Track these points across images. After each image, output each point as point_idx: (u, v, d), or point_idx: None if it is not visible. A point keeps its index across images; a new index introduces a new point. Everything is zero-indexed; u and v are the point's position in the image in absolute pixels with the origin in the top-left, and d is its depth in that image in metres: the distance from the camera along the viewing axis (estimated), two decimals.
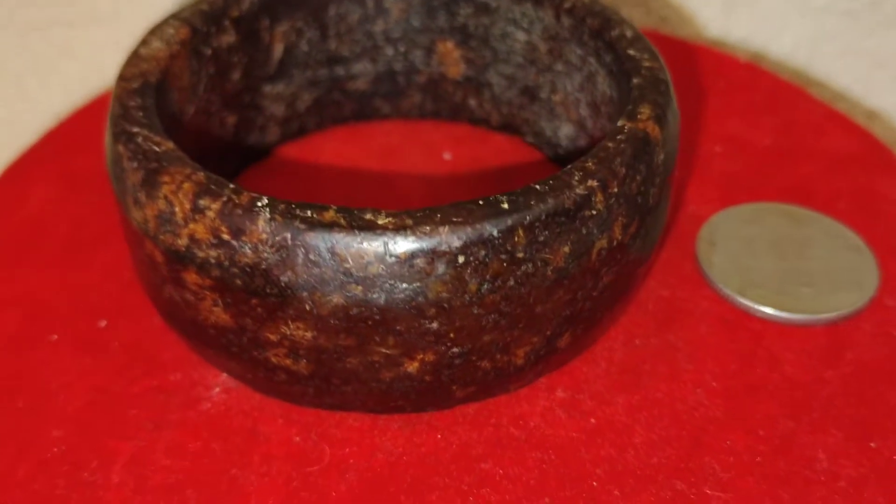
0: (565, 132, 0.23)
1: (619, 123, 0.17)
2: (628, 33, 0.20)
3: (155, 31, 0.20)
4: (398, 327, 0.15)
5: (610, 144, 0.17)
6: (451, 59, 0.24)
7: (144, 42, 0.19)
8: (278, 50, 0.23)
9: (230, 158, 0.23)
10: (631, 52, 0.19)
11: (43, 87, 0.35)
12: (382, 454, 0.17)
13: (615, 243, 0.16)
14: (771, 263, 0.21)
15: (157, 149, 0.16)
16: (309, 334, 0.16)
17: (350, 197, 0.23)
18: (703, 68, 0.28)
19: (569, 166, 0.16)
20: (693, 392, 0.18)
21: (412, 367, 0.16)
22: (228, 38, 0.21)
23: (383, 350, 0.16)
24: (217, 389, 0.18)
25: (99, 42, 0.34)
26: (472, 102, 0.25)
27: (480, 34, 0.23)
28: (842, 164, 0.24)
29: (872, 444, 0.17)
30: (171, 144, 0.17)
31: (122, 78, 0.18)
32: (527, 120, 0.24)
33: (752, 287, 0.20)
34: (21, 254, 0.21)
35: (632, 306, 0.20)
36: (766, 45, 0.34)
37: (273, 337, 0.16)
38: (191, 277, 0.16)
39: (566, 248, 0.16)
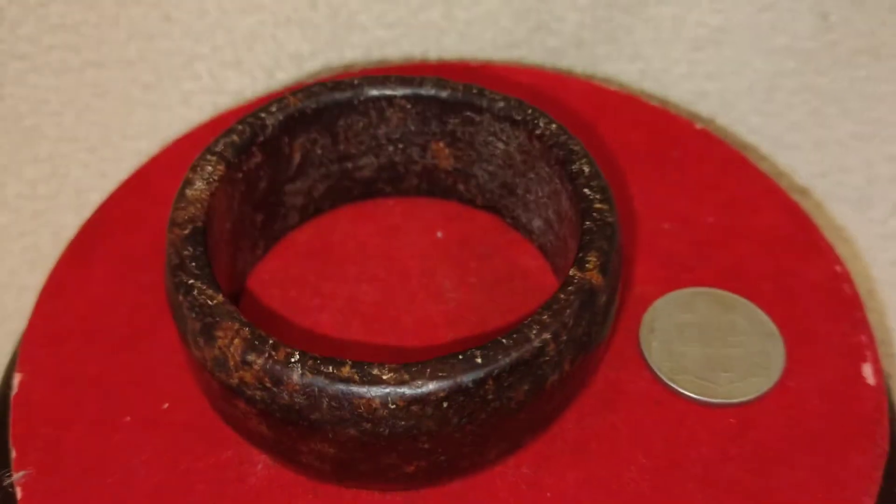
0: (537, 224, 0.27)
1: (571, 273, 0.22)
2: (586, 169, 0.24)
3: (196, 169, 0.24)
4: (399, 447, 0.20)
5: (561, 296, 0.21)
6: (443, 155, 0.28)
7: (188, 182, 0.24)
8: (297, 157, 0.27)
9: (259, 244, 0.28)
10: (586, 191, 0.24)
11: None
12: None
13: (564, 374, 0.21)
14: (698, 350, 0.26)
15: (210, 302, 0.21)
16: (332, 450, 0.21)
17: (359, 272, 0.28)
18: (662, 136, 0.32)
19: (528, 320, 0.21)
20: (628, 469, 0.23)
21: (409, 469, 0.21)
22: (256, 159, 0.26)
23: (388, 461, 0.21)
24: (260, 466, 0.23)
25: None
26: (461, 187, 0.29)
27: (467, 139, 0.27)
28: (771, 244, 0.29)
29: None
30: (221, 297, 0.21)
31: (175, 224, 0.23)
32: (507, 206, 0.28)
33: (681, 372, 0.25)
34: (90, 336, 0.26)
35: (584, 389, 0.25)
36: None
37: (304, 448, 0.21)
38: (240, 404, 0.21)
39: (525, 387, 0.21)
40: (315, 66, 0.39)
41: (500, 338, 0.21)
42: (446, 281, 0.28)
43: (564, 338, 0.21)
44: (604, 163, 0.31)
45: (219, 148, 0.25)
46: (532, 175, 0.27)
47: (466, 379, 0.20)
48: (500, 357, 0.20)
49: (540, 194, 0.27)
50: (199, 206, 0.23)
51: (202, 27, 0.37)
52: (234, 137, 0.25)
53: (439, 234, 0.29)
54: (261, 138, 0.25)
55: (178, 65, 0.38)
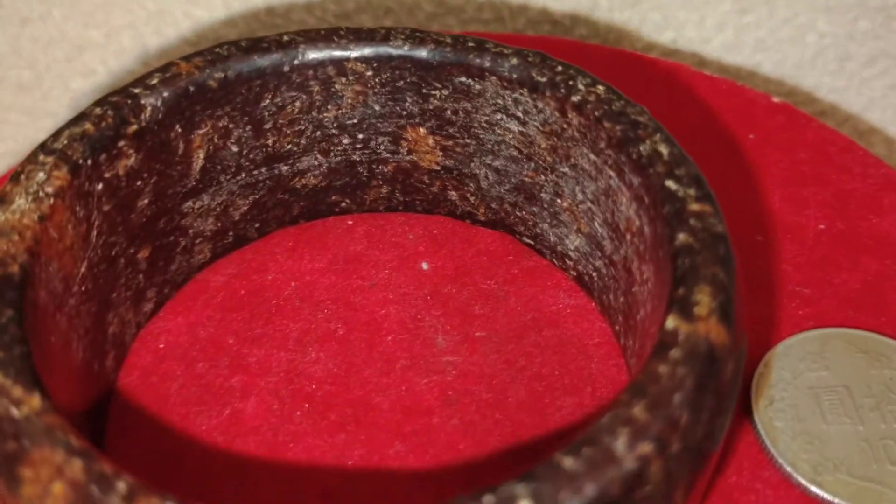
0: (574, 244, 0.18)
1: (670, 325, 0.12)
2: (664, 151, 0.15)
3: (17, 178, 0.14)
4: None
5: (661, 370, 0.12)
6: (425, 147, 0.19)
7: (3, 200, 0.14)
8: (198, 158, 0.17)
9: (147, 295, 0.18)
10: (671, 184, 0.14)
11: None
12: None
13: None
14: (849, 429, 0.16)
15: (15, 412, 0.11)
16: None
17: (305, 329, 0.18)
18: (728, 113, 0.23)
19: (606, 416, 0.11)
20: None
21: None
22: (126, 161, 0.16)
23: None
24: None
25: None
26: (453, 195, 0.19)
27: (461, 121, 0.18)
28: None
29: None
30: (37, 401, 0.12)
31: None
32: (523, 219, 0.19)
33: (829, 470, 0.16)
34: None
35: None
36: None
37: None
38: None
39: None
40: None
41: (556, 455, 0.11)
42: (439, 336, 0.18)
43: (676, 447, 0.11)
44: None
45: (59, 143, 0.15)
46: (566, 168, 0.17)
47: None
48: (562, 497, 0.11)
49: (580, 197, 0.17)
50: (16, 238, 0.14)
51: (91, 5, 0.27)
52: (87, 126, 0.15)
53: (424, 266, 0.19)
54: (133, 127, 0.16)
55: (62, 57, 0.28)
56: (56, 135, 0.15)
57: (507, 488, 0.11)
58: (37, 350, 0.13)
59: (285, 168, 0.19)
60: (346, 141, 0.19)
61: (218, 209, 0.18)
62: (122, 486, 0.11)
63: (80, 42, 0.28)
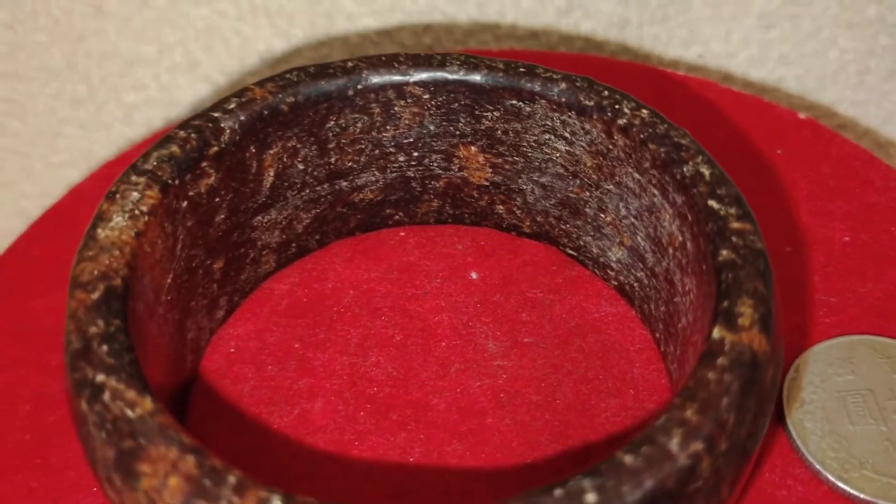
0: (616, 256, 0.19)
1: (716, 335, 0.14)
2: (706, 172, 0.16)
3: (114, 197, 0.16)
4: None
5: (710, 376, 0.13)
6: (476, 164, 0.20)
7: (101, 218, 0.15)
8: (269, 176, 0.19)
9: (220, 303, 0.19)
10: (713, 203, 0.16)
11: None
12: None
13: None
14: (874, 430, 0.17)
15: (130, 413, 0.13)
16: None
17: (365, 335, 0.19)
18: (756, 129, 0.24)
19: (662, 418, 0.13)
20: None
21: None
22: (208, 180, 0.17)
23: None
24: None
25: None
26: (501, 209, 0.21)
27: (511, 140, 0.19)
28: None
29: None
30: (149, 402, 0.13)
31: (78, 284, 0.14)
32: (567, 232, 0.20)
33: (856, 467, 0.17)
34: None
35: None
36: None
37: None
38: None
39: None
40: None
41: (618, 453, 0.12)
42: (490, 342, 0.19)
43: (724, 446, 0.13)
44: None
45: (150, 164, 0.16)
46: (610, 186, 0.18)
47: None
48: (625, 491, 0.12)
49: (623, 213, 0.18)
50: (117, 253, 0.15)
51: (144, 22, 0.29)
52: (174, 148, 0.17)
53: (473, 276, 0.21)
54: (214, 148, 0.17)
55: (115, 71, 0.30)
56: (145, 156, 0.16)
57: (575, 483, 0.12)
58: (140, 356, 0.14)
59: (345, 184, 0.20)
60: (402, 158, 0.20)
61: (283, 222, 0.20)
62: (232, 479, 0.12)
63: (133, 57, 0.30)
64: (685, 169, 0.16)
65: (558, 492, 0.12)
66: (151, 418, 0.13)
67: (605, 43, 0.30)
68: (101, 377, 0.13)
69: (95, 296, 0.14)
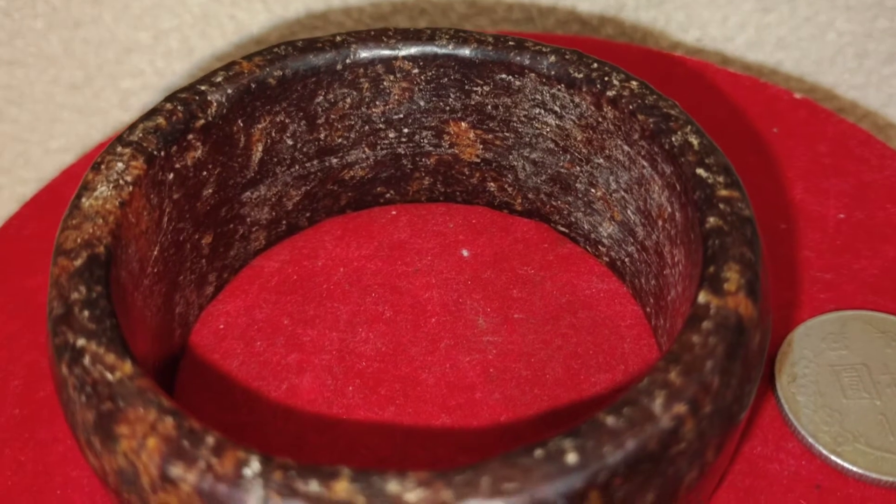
0: (607, 231, 0.19)
1: (702, 300, 0.13)
2: (694, 142, 0.16)
3: (99, 168, 0.16)
4: None
5: (695, 339, 0.13)
6: (466, 141, 0.20)
7: (86, 187, 0.15)
8: (257, 151, 0.19)
9: (209, 279, 0.19)
10: (701, 172, 0.15)
11: None
12: None
13: (706, 469, 0.13)
14: (866, 404, 0.17)
15: (109, 376, 0.13)
16: None
17: (354, 311, 0.19)
18: (752, 109, 0.24)
19: (645, 380, 0.12)
20: None
21: None
22: (194, 152, 0.17)
23: None
24: None
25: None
26: (492, 185, 0.21)
27: (501, 115, 0.19)
28: None
29: None
30: (129, 366, 0.13)
31: (62, 252, 0.14)
32: (558, 208, 0.20)
33: (847, 440, 0.17)
34: None
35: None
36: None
37: None
38: None
39: (650, 497, 0.12)
40: None
41: (599, 414, 0.12)
42: (480, 318, 0.19)
43: (708, 409, 0.12)
44: None
45: (135, 136, 0.16)
46: (600, 160, 0.18)
47: (552, 493, 0.11)
48: (606, 451, 0.12)
49: (614, 187, 0.18)
50: (101, 222, 0.15)
51: (140, 8, 0.29)
52: (160, 120, 0.17)
53: (465, 253, 0.21)
54: (201, 121, 0.17)
55: (112, 58, 0.30)
56: (131, 128, 0.16)
57: (555, 443, 0.12)
58: (122, 323, 0.14)
59: (335, 160, 0.20)
60: (392, 135, 0.20)
61: (273, 199, 0.20)
62: (210, 440, 0.12)
63: (130, 44, 0.30)
64: (674, 139, 0.16)
65: (538, 452, 0.12)
66: (131, 381, 0.13)
67: (602, 27, 0.30)
68: (81, 341, 0.13)
69: (78, 263, 0.14)
